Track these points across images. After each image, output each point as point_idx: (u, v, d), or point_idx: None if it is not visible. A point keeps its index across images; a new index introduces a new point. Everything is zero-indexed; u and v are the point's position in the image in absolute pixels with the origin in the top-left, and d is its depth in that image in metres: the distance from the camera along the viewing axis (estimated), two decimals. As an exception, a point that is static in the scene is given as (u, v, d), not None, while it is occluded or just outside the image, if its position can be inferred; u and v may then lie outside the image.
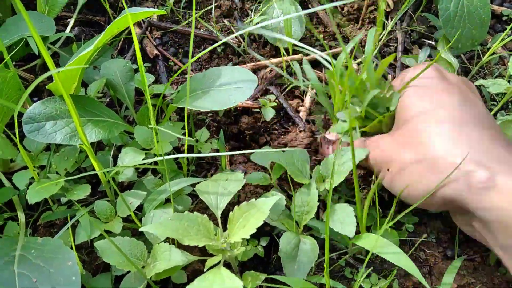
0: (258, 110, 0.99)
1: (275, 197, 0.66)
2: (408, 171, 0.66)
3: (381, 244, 0.67)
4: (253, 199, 0.67)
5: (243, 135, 0.98)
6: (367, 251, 0.80)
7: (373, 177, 0.80)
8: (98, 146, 0.91)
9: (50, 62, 0.56)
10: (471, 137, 0.63)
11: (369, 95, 0.74)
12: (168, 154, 0.85)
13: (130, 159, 0.75)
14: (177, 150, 0.89)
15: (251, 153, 0.85)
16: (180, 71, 0.80)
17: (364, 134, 0.83)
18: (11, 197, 0.80)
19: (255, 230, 0.62)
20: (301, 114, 0.99)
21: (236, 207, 0.67)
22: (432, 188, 0.62)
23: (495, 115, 0.99)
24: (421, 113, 0.68)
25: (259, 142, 0.98)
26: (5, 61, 0.78)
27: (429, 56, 1.06)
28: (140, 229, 0.65)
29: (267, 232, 0.81)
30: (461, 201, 0.61)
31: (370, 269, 0.78)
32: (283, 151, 0.80)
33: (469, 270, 0.79)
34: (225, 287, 0.58)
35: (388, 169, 0.70)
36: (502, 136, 0.67)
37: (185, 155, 0.68)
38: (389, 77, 1.04)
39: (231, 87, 0.79)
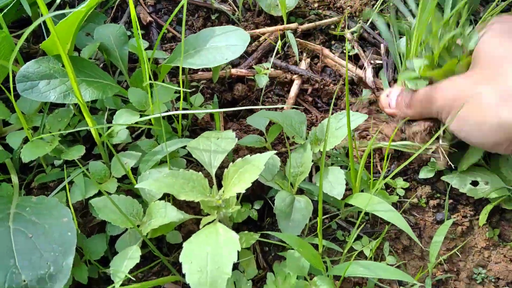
0: (252, 78, 0.99)
1: (269, 153, 0.66)
2: (484, 105, 0.63)
3: (373, 202, 0.68)
4: (248, 155, 0.67)
5: (237, 102, 0.99)
6: (359, 214, 0.81)
7: (370, 139, 0.80)
8: (91, 111, 0.90)
9: (44, 8, 0.55)
10: None
11: (447, 35, 0.71)
12: (163, 117, 0.85)
13: (124, 120, 0.75)
14: (172, 117, 0.89)
15: (246, 109, 0.85)
16: (164, 28, 0.78)
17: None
18: (4, 160, 0.80)
19: (250, 185, 0.62)
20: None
21: (230, 164, 0.67)
22: (507, 119, 0.61)
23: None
24: (501, 54, 0.65)
25: (253, 111, 0.98)
26: (-3, 21, 0.77)
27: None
28: (135, 186, 0.65)
29: (260, 196, 0.82)
30: None
31: (360, 231, 0.80)
32: (281, 110, 0.80)
33: (457, 234, 0.81)
34: (221, 240, 0.59)
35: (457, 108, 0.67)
36: None
37: (180, 112, 0.67)
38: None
39: (223, 46, 0.78)
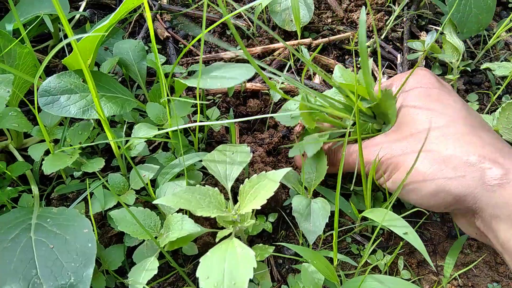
0: (267, 91, 1.01)
1: (285, 169, 0.67)
2: (420, 173, 0.65)
3: (389, 217, 0.68)
4: (263, 172, 0.68)
5: (252, 116, 1.00)
6: (373, 229, 0.82)
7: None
8: (110, 124, 0.93)
9: (68, 30, 0.58)
10: (482, 137, 0.65)
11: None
12: (180, 130, 0.86)
13: (143, 133, 0.76)
14: (188, 130, 0.91)
15: (261, 122, 0.85)
16: (186, 49, 0.80)
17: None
18: (24, 171, 0.82)
19: (265, 201, 0.63)
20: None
21: (246, 179, 0.69)
22: (442, 187, 0.62)
23: (500, 98, 1.00)
24: (428, 117, 0.68)
25: (267, 124, 1.00)
26: (21, 37, 0.79)
27: (436, 41, 1.07)
28: (154, 202, 0.66)
29: (275, 209, 0.83)
30: (472, 198, 0.62)
31: (375, 245, 0.80)
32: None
33: (472, 249, 0.81)
34: (239, 256, 0.59)
35: (391, 170, 0.69)
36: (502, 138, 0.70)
37: (197, 124, 0.69)
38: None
39: (231, 76, 0.79)
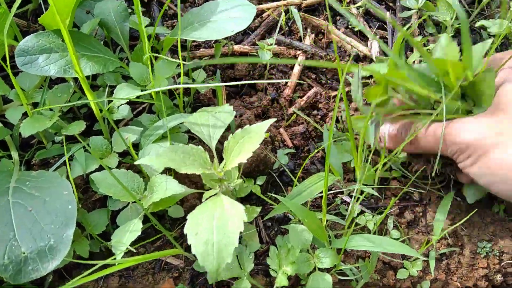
0: (255, 54, 0.98)
1: (269, 120, 0.64)
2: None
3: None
4: (247, 125, 0.66)
5: (240, 80, 0.97)
6: (362, 191, 0.80)
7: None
8: (92, 88, 0.89)
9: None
10: None
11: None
12: (164, 92, 0.84)
13: (125, 94, 0.74)
14: (173, 93, 0.88)
15: (249, 86, 0.82)
16: (166, 4, 0.77)
17: None
18: (3, 137, 0.79)
19: (251, 154, 0.61)
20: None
21: (230, 135, 0.66)
22: None
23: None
24: None
25: (256, 87, 0.97)
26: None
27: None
28: (135, 162, 0.64)
29: (263, 172, 0.81)
30: None
31: (364, 206, 0.79)
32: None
33: (462, 209, 0.80)
34: (227, 211, 0.58)
35: (478, 155, 0.62)
36: None
37: (181, 85, 0.66)
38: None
39: (229, 17, 0.77)
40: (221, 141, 0.73)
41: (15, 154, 0.78)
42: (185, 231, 0.57)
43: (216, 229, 0.56)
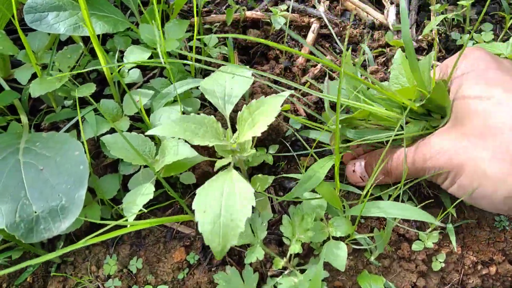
0: (268, 21, 0.95)
1: (286, 92, 0.62)
2: (488, 176, 0.56)
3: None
4: (263, 96, 0.63)
5: (251, 48, 0.95)
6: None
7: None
8: (101, 53, 0.88)
9: None
10: None
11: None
12: (175, 55, 0.82)
13: (135, 57, 0.72)
14: (185, 57, 0.86)
15: (261, 55, 0.79)
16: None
17: None
18: (12, 100, 0.77)
19: (266, 128, 0.58)
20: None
21: (244, 106, 0.63)
22: None
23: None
24: (488, 108, 0.58)
25: (267, 56, 0.95)
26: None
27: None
28: (146, 133, 0.62)
29: (275, 140, 0.80)
30: None
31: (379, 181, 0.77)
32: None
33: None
34: (237, 192, 0.56)
35: (454, 174, 0.61)
36: None
37: (193, 54, 0.64)
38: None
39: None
40: (234, 109, 0.71)
41: (24, 118, 0.76)
42: (193, 206, 0.55)
43: (224, 211, 0.54)
